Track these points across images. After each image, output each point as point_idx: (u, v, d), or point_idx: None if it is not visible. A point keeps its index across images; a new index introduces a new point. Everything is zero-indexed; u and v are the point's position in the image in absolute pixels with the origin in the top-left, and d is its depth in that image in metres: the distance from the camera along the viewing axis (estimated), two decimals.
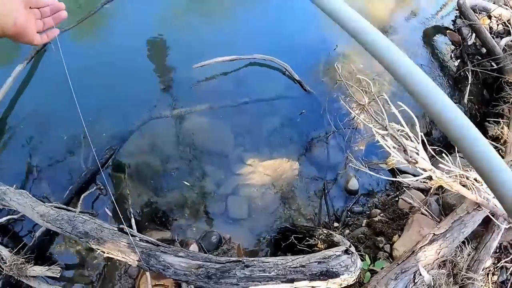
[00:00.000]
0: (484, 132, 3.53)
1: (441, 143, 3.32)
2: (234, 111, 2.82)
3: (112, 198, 2.32)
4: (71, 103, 2.40)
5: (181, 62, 2.97)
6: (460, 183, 2.39)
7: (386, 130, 2.52)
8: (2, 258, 2.39)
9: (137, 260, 1.97)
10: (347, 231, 2.72)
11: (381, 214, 2.92)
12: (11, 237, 2.58)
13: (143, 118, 2.72)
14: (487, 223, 2.51)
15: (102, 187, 2.48)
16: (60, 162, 2.61)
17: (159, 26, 3.22)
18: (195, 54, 2.93)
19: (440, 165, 2.33)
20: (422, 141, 2.62)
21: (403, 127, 2.55)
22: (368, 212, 2.88)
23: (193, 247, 2.42)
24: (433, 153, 2.63)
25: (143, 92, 2.85)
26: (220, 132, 2.77)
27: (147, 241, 2.05)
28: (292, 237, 2.38)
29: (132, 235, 2.05)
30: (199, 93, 2.86)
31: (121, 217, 2.06)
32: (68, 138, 2.65)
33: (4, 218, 2.50)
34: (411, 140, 2.60)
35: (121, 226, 2.07)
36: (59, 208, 2.36)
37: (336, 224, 2.71)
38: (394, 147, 2.53)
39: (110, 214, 2.46)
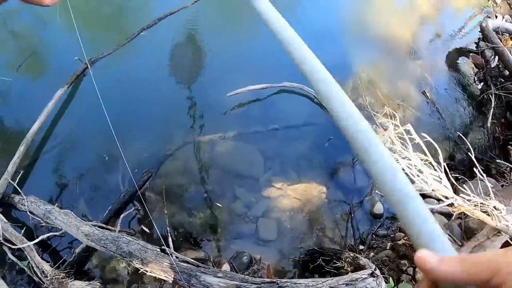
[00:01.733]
0: (507, 155, 3.66)
1: (464, 167, 3.47)
2: (264, 137, 3.04)
3: (151, 218, 2.54)
4: (107, 126, 2.68)
5: (215, 89, 3.21)
6: (480, 209, 2.56)
7: (410, 159, 2.72)
8: (43, 272, 2.60)
9: (179, 280, 2.18)
10: (372, 253, 2.89)
11: (405, 238, 3.08)
12: (51, 252, 2.81)
13: (178, 143, 2.97)
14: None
15: (139, 208, 2.72)
16: (99, 182, 2.86)
17: (194, 53, 3.50)
18: (228, 81, 3.19)
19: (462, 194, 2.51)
20: (445, 169, 2.81)
21: (427, 156, 2.74)
22: (392, 236, 3.05)
23: (225, 267, 2.63)
24: (454, 182, 2.79)
25: (178, 118, 3.10)
26: (251, 156, 2.99)
27: (187, 262, 2.26)
28: (320, 259, 2.57)
29: (173, 256, 2.27)
30: (231, 119, 3.10)
31: (161, 237, 2.29)
32: (106, 159, 2.91)
33: (47, 235, 2.72)
34: (434, 169, 2.79)
35: (163, 247, 2.29)
36: (100, 227, 2.61)
37: (361, 247, 2.88)
38: (418, 175, 2.73)
39: (148, 231, 2.70)
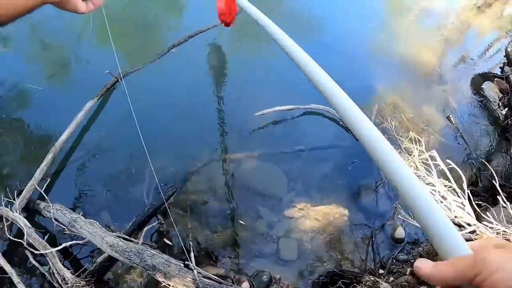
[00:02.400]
0: None
1: (487, 193, 3.46)
2: (289, 157, 3.10)
3: (177, 232, 2.59)
4: (136, 138, 2.75)
5: (242, 108, 3.30)
6: (503, 237, 2.56)
7: (434, 185, 2.74)
8: (64, 279, 2.66)
9: None
10: (392, 278, 2.89)
11: None
12: (72, 259, 2.87)
13: (204, 159, 3.04)
14: None
15: (162, 222, 2.77)
16: (124, 194, 2.94)
17: (223, 72, 3.60)
18: (256, 100, 3.28)
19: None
20: (468, 195, 2.82)
21: (451, 182, 2.76)
22: (413, 261, 3.05)
23: (245, 285, 2.66)
24: (477, 208, 2.79)
25: (205, 135, 3.19)
26: (275, 176, 3.04)
27: (210, 278, 2.31)
28: (340, 282, 2.59)
29: (196, 272, 2.31)
30: (258, 138, 3.16)
31: (185, 252, 2.34)
32: (133, 172, 2.98)
33: (70, 243, 2.79)
34: (458, 195, 2.80)
35: (186, 262, 2.34)
36: (123, 238, 2.66)
37: (381, 271, 2.89)
38: (441, 202, 2.74)
39: (170, 243, 2.75)
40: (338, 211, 2.92)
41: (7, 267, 2.64)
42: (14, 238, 2.70)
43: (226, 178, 2.98)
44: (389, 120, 2.96)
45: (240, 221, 2.81)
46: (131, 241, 2.63)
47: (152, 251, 2.42)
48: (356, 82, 3.64)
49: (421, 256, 3.13)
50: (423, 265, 0.54)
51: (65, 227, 2.74)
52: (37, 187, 2.88)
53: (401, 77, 3.93)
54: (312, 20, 4.33)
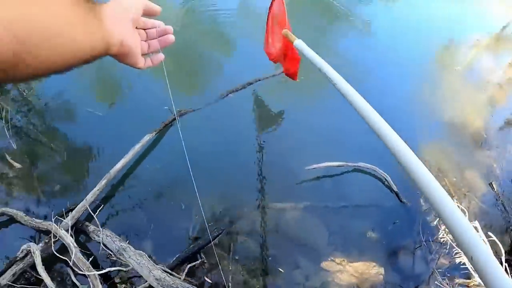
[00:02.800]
0: None
1: None
2: (332, 212, 3.18)
3: (220, 272, 2.69)
4: (187, 176, 2.87)
5: (293, 159, 3.41)
6: None
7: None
8: None
9: None
10: None
11: None
12: (111, 284, 2.98)
13: (251, 205, 3.17)
14: None
15: (205, 261, 2.88)
16: (170, 229, 3.07)
17: (276, 122, 3.76)
18: (307, 153, 3.41)
19: None
20: (505, 267, 2.82)
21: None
22: None
23: None
24: None
25: (253, 181, 3.32)
26: (316, 228, 3.12)
27: None
28: None
29: None
30: (304, 191, 3.27)
31: None
32: (183, 208, 3.12)
33: (114, 268, 2.92)
34: None
35: None
36: (166, 272, 2.77)
37: None
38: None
39: (210, 281, 2.84)
40: (375, 269, 2.97)
41: (48, 281, 2.75)
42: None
43: (270, 225, 3.08)
44: None
45: (280, 269, 2.89)
46: (173, 275, 2.74)
47: None
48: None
49: None
50: None
51: (112, 254, 2.87)
52: (89, 209, 3.03)
53: (446, 138, 3.97)
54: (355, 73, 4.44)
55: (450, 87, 4.65)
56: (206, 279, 2.81)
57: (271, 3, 3.23)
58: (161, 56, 0.97)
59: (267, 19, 3.35)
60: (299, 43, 2.44)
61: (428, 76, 4.74)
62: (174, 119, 3.56)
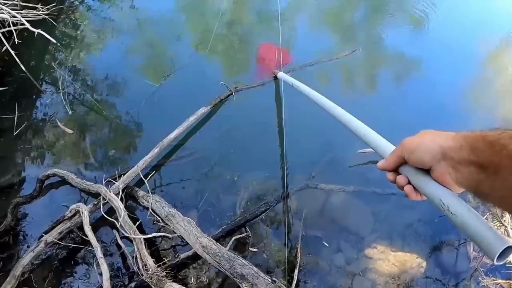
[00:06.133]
0: None
1: None
2: (379, 198, 3.21)
3: (265, 247, 2.78)
4: (238, 150, 2.94)
5: (346, 142, 3.45)
6: None
7: None
8: (145, 265, 2.87)
9: None
10: None
11: None
12: (155, 250, 3.09)
13: (300, 185, 3.25)
14: None
15: (250, 235, 2.97)
16: (218, 200, 3.17)
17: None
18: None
19: None
20: None
21: None
22: None
23: None
24: None
25: (306, 161, 3.40)
26: (362, 214, 3.17)
27: None
28: None
29: None
30: (354, 175, 3.31)
31: (276, 267, 2.50)
32: (235, 179, 3.24)
33: (160, 234, 3.02)
34: None
35: (273, 278, 2.51)
36: (212, 241, 2.86)
37: None
38: None
39: (255, 249, 2.93)
40: (416, 261, 3.00)
41: (94, 241, 2.84)
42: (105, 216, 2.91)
43: (316, 206, 3.15)
44: None
45: (324, 243, 2.97)
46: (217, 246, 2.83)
47: (243, 261, 2.58)
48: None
49: None
50: (379, 163, 0.94)
51: (160, 219, 2.98)
52: (141, 174, 3.15)
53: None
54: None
55: (503, 87, 4.54)
56: (251, 249, 2.90)
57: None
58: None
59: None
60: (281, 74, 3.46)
61: (482, 73, 4.64)
62: (231, 93, 3.65)
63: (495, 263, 0.69)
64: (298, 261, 2.84)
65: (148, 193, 3.05)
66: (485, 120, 4.04)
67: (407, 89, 4.22)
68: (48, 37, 3.56)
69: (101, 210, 2.96)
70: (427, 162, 0.79)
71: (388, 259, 2.98)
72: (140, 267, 2.78)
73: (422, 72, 4.37)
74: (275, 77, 3.76)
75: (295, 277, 2.77)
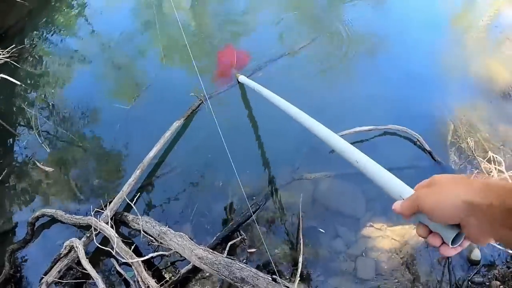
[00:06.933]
0: None
1: None
2: (366, 177, 3.19)
3: (265, 246, 2.76)
4: (219, 156, 2.92)
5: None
6: None
7: None
8: (148, 287, 2.87)
9: None
10: None
11: (501, 286, 3.09)
12: (155, 270, 3.08)
13: (286, 178, 3.25)
14: None
15: (245, 238, 2.96)
16: (207, 209, 3.16)
17: (305, 92, 3.82)
18: (337, 121, 3.42)
19: None
20: None
21: None
22: (488, 284, 3.07)
23: None
24: None
25: (286, 154, 3.40)
26: (353, 196, 3.17)
27: None
28: None
29: (284, 286, 2.47)
30: (337, 159, 3.26)
31: (274, 266, 2.50)
32: (220, 185, 3.22)
33: (156, 254, 3.01)
34: None
35: (273, 276, 2.50)
36: (208, 250, 2.85)
37: None
38: None
39: (253, 250, 2.92)
40: (414, 231, 2.99)
41: (93, 273, 2.84)
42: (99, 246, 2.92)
43: (306, 197, 3.14)
44: (467, 140, 3.01)
45: (320, 229, 2.97)
46: (215, 254, 2.82)
47: (240, 265, 2.58)
48: (430, 102, 3.72)
49: (496, 279, 3.14)
50: (395, 206, 0.89)
51: (153, 239, 2.97)
52: (127, 199, 3.13)
53: (474, 94, 3.93)
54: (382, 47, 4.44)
55: (474, 44, 4.58)
56: (249, 250, 2.90)
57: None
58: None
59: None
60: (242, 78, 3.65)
61: (449, 35, 4.68)
62: (201, 103, 3.65)
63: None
64: (301, 253, 2.84)
65: (137, 215, 3.04)
66: (459, 80, 4.07)
67: (380, 63, 4.23)
68: (12, 80, 3.53)
69: (95, 241, 2.97)
70: (453, 221, 0.73)
71: (387, 235, 2.98)
72: None
73: (391, 45, 4.40)
74: (238, 81, 3.80)
75: (299, 270, 2.75)
